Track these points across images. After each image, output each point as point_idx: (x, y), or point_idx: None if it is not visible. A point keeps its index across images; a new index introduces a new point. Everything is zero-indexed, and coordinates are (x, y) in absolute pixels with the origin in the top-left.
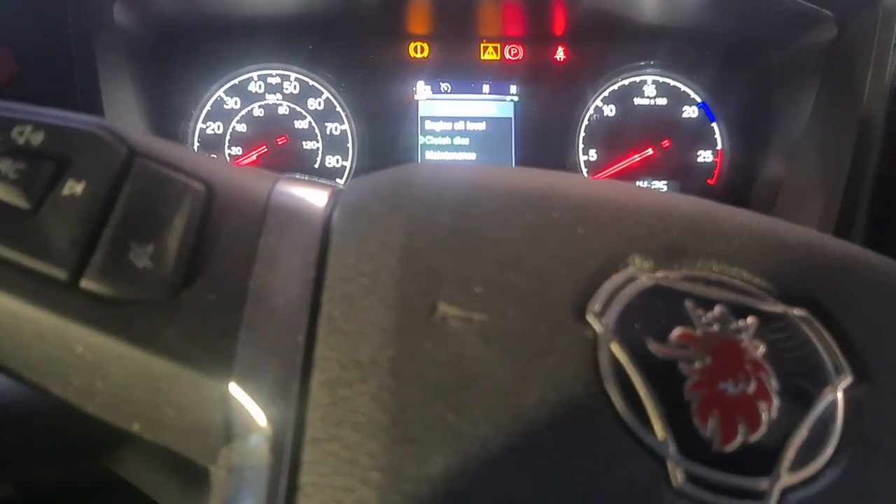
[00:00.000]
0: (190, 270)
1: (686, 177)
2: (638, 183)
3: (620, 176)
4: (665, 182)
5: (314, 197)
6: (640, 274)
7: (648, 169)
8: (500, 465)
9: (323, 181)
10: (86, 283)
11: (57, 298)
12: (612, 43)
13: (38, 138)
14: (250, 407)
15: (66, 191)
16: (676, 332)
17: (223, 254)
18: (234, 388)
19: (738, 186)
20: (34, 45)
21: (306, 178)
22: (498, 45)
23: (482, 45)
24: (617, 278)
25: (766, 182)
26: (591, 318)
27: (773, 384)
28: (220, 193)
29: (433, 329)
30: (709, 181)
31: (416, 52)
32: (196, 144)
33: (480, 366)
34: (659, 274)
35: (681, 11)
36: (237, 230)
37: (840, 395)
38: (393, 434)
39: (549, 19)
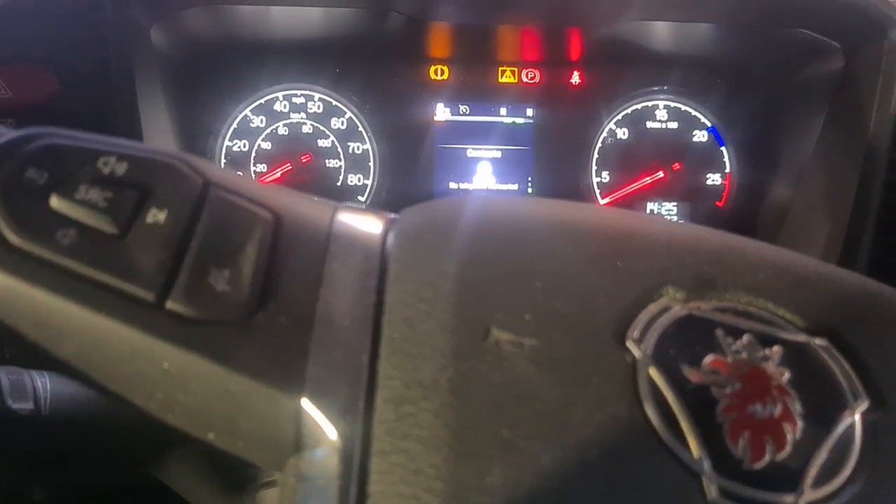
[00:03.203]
0: (263, 294)
1: (695, 199)
2: (648, 205)
3: (632, 197)
4: (675, 204)
5: (371, 225)
6: (674, 304)
7: (659, 191)
8: (552, 477)
9: (377, 210)
10: (171, 305)
11: (145, 318)
12: (625, 68)
13: (121, 168)
14: (321, 421)
15: (150, 218)
16: (709, 359)
17: (292, 278)
18: (306, 403)
19: (745, 209)
20: (75, 65)
21: (362, 206)
22: (515, 69)
23: (500, 68)
24: (653, 308)
25: (774, 205)
26: (630, 345)
27: (797, 408)
28: (286, 222)
29: (488, 352)
30: (717, 203)
31: (436, 75)
32: (223, 161)
33: (531, 386)
34: (691, 304)
35: (692, 40)
36: (303, 257)
37: (858, 418)
38: (454, 447)
39: (566, 45)
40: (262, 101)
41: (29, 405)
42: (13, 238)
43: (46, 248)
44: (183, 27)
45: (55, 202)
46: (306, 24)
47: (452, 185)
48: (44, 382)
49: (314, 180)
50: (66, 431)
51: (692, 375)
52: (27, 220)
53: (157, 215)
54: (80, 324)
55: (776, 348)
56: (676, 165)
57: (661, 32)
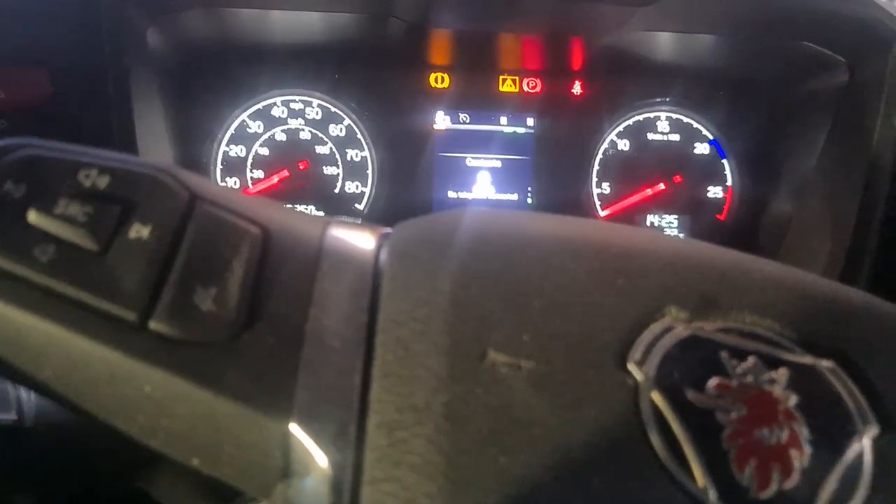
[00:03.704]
0: (250, 313)
1: (696, 212)
2: (649, 217)
3: (632, 209)
4: (675, 216)
5: (363, 241)
6: (677, 324)
7: (660, 203)
8: None
9: (370, 224)
10: (154, 325)
11: (127, 339)
12: (627, 79)
13: (103, 181)
14: (310, 447)
15: (133, 234)
16: (713, 382)
17: (281, 297)
18: (295, 429)
19: (746, 222)
20: (69, 67)
21: (354, 220)
22: (516, 78)
23: (501, 77)
24: (655, 328)
25: (775, 219)
26: (631, 367)
27: (805, 433)
28: (275, 237)
29: (484, 375)
30: (718, 216)
31: (436, 83)
32: (219, 167)
33: (530, 411)
34: (695, 325)
35: (695, 51)
36: (293, 274)
37: (867, 444)
38: (449, 475)
39: (568, 54)
40: (260, 106)
41: (12, 416)
42: None
43: (23, 264)
44: (180, 29)
45: (33, 217)
46: (306, 29)
47: (451, 194)
48: (27, 392)
49: (312, 187)
50: (50, 442)
51: (696, 399)
52: (3, 236)
53: (140, 230)
54: (59, 345)
55: (782, 371)
56: (677, 177)
57: (664, 43)
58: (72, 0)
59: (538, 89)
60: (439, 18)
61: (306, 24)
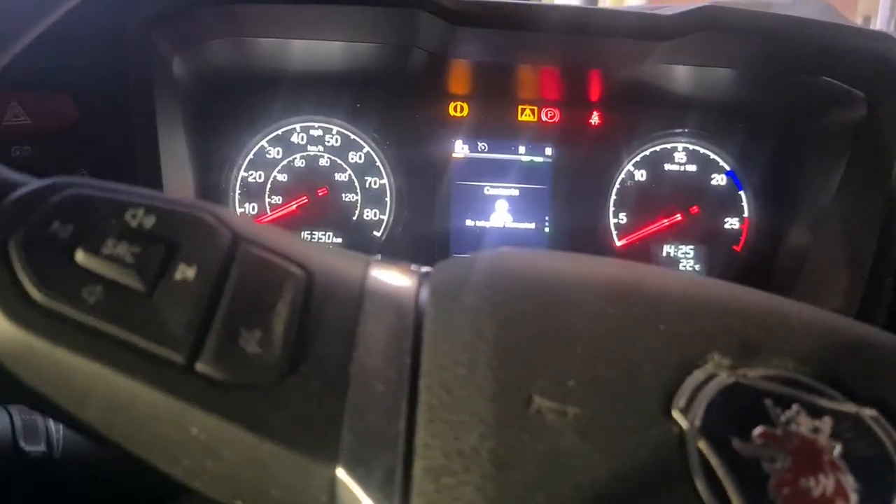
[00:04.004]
0: (295, 356)
1: (712, 243)
2: (665, 247)
3: (649, 240)
4: (692, 247)
5: (404, 281)
6: (721, 371)
7: (676, 233)
8: None
9: (409, 264)
10: (201, 367)
11: (174, 382)
12: (645, 110)
13: (149, 221)
14: (357, 492)
15: (178, 275)
16: (758, 431)
17: (325, 339)
18: (341, 473)
19: (763, 254)
20: (94, 93)
21: (396, 261)
22: (535, 108)
23: (520, 106)
24: (698, 375)
25: (792, 251)
26: (676, 415)
27: (851, 483)
28: (318, 279)
29: (530, 421)
30: (735, 248)
31: (455, 112)
32: (238, 192)
33: (576, 459)
34: (738, 372)
35: (713, 83)
36: (337, 316)
37: None
38: None
39: (586, 85)
40: (280, 132)
41: (41, 447)
42: (36, 294)
43: (71, 305)
44: (205, 58)
45: (81, 257)
46: (327, 58)
47: (469, 222)
48: (57, 423)
49: (330, 214)
50: (78, 474)
51: (742, 448)
52: (51, 276)
53: (185, 272)
54: (105, 385)
55: (826, 419)
56: (694, 208)
57: (682, 76)
58: (98, 27)
59: (556, 119)
60: (460, 50)
61: (328, 52)
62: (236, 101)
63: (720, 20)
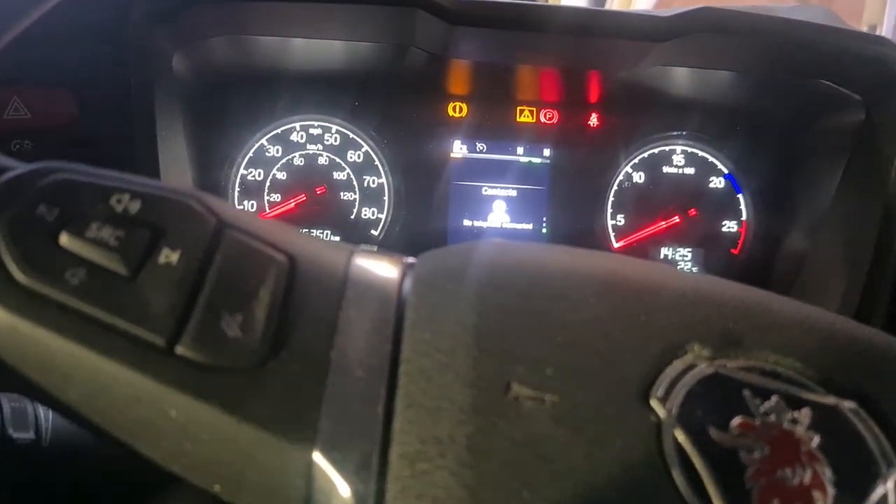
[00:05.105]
0: (276, 340)
1: (710, 245)
2: (663, 250)
3: (646, 242)
4: (689, 250)
5: (388, 270)
6: (700, 361)
7: (674, 236)
8: None
9: (393, 253)
10: (181, 350)
11: (154, 364)
12: (644, 112)
13: (135, 206)
14: (333, 476)
15: (162, 259)
16: (736, 421)
17: (306, 325)
18: (318, 458)
19: (761, 257)
20: (94, 89)
21: (377, 248)
22: (534, 109)
23: (518, 107)
24: (678, 365)
25: (790, 255)
26: (654, 404)
27: (828, 475)
28: (301, 265)
29: (508, 408)
30: (733, 251)
31: (454, 112)
32: (237, 189)
33: (553, 446)
34: (718, 362)
35: (712, 86)
36: (318, 302)
37: (891, 487)
38: None
39: (585, 87)
40: (279, 130)
41: (30, 434)
42: (19, 276)
43: (54, 287)
44: (205, 56)
45: (65, 240)
46: (327, 57)
47: (466, 223)
48: (46, 411)
49: (328, 212)
50: (66, 462)
51: (719, 438)
52: (35, 258)
53: (169, 256)
54: (86, 367)
55: (805, 411)
56: (692, 211)
57: (681, 78)
58: (99, 24)
59: (555, 120)
60: (459, 50)
61: (327, 51)
62: (236, 99)
63: (717, 22)
